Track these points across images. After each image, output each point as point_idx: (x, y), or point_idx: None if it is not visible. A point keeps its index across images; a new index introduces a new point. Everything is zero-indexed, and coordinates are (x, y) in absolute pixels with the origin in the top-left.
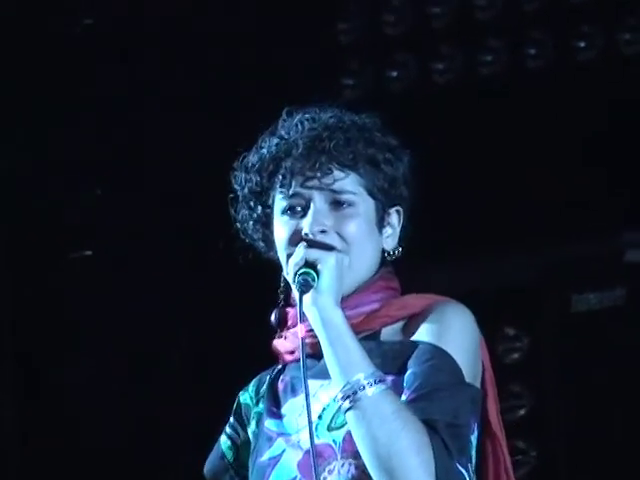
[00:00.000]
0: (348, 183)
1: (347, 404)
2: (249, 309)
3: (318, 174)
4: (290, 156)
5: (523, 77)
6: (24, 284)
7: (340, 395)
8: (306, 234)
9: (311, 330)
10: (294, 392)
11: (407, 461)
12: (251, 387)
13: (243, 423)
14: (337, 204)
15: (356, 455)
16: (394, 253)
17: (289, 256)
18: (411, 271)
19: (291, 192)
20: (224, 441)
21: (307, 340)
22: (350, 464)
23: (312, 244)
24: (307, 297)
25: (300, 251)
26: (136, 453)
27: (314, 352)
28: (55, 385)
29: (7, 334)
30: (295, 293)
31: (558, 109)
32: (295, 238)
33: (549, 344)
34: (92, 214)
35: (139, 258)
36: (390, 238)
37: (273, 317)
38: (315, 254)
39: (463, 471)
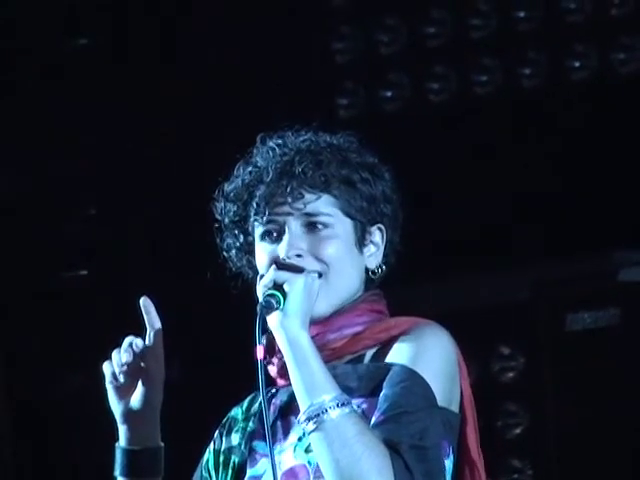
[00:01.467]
0: (321, 205)
1: (311, 426)
2: (247, 330)
3: (289, 199)
4: (262, 183)
5: (518, 96)
6: (18, 303)
7: (304, 417)
8: (283, 259)
9: None
10: (283, 415)
11: None
12: (245, 403)
13: (222, 433)
14: (312, 226)
15: None
16: (378, 271)
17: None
18: (407, 289)
19: (265, 219)
20: (208, 457)
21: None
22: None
23: (282, 267)
24: (274, 319)
25: (270, 273)
26: None
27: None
28: (49, 401)
29: (0, 354)
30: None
31: (552, 127)
32: (271, 263)
33: (544, 363)
34: (87, 233)
35: (134, 277)
36: (373, 257)
37: (260, 345)
38: (283, 276)
39: None
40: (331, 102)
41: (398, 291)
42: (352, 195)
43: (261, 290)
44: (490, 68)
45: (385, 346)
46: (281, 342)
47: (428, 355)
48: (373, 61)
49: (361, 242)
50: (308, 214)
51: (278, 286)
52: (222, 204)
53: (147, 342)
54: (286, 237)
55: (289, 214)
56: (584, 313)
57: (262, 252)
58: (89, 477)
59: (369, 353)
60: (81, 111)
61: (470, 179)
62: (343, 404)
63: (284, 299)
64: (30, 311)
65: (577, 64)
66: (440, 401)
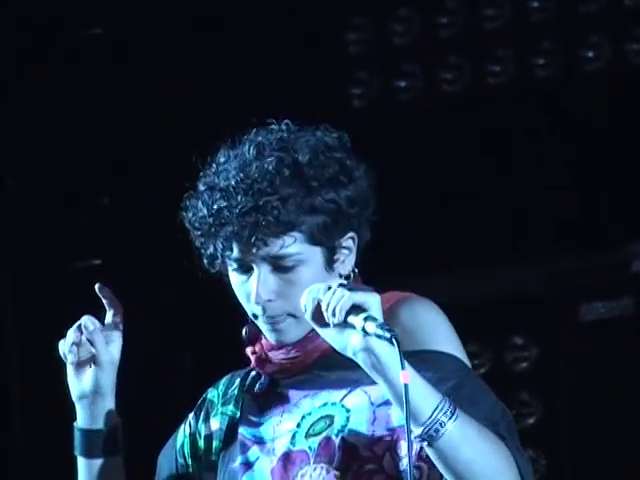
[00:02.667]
0: (289, 247)
1: (434, 441)
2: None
3: (253, 249)
4: (228, 224)
5: (531, 86)
6: (30, 293)
7: (424, 431)
8: (254, 304)
9: (288, 358)
10: (274, 401)
11: (505, 475)
12: (221, 385)
13: (199, 416)
14: (279, 268)
15: (330, 460)
16: (351, 275)
17: (254, 314)
18: (419, 281)
19: (233, 257)
20: (180, 436)
21: (280, 367)
22: (322, 468)
23: (344, 286)
24: (359, 341)
25: (345, 294)
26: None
27: (287, 376)
28: (59, 399)
29: (12, 344)
30: (336, 334)
31: (566, 118)
32: (248, 300)
33: (557, 353)
34: (100, 222)
35: (148, 267)
36: (346, 262)
37: (244, 333)
38: (361, 297)
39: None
40: (345, 92)
41: (413, 282)
42: (316, 222)
43: (337, 315)
44: (504, 58)
45: None
46: (372, 365)
47: (440, 331)
48: (386, 51)
49: (331, 261)
50: (275, 258)
51: (357, 307)
52: (189, 215)
53: (105, 324)
54: (254, 282)
55: (255, 258)
56: (598, 303)
57: (235, 281)
58: None
59: None
60: (96, 102)
61: (483, 170)
62: (454, 409)
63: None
64: (43, 301)
65: (591, 54)
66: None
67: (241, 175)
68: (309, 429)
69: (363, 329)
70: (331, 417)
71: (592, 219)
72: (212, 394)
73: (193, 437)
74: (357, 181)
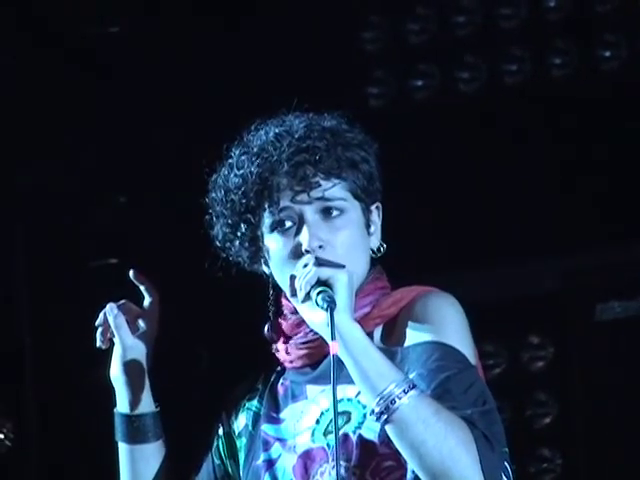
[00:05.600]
0: (337, 190)
1: (387, 415)
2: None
3: (307, 188)
4: (275, 174)
5: (548, 86)
6: (46, 292)
7: (377, 409)
8: (307, 251)
9: (306, 342)
10: (294, 398)
11: (460, 460)
12: (247, 382)
13: (230, 414)
14: (327, 213)
15: (348, 457)
16: (381, 250)
17: (291, 274)
18: (439, 278)
19: (280, 207)
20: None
21: (302, 352)
22: (341, 466)
23: (321, 262)
24: (322, 316)
25: (312, 269)
26: None
27: (311, 362)
28: (77, 397)
29: (27, 343)
30: (307, 311)
31: (582, 117)
32: (293, 254)
33: (574, 352)
34: (117, 221)
35: (164, 266)
36: (374, 236)
37: (266, 330)
38: (328, 272)
39: (505, 464)
40: (361, 91)
41: (429, 280)
42: (357, 176)
43: (303, 287)
44: (520, 57)
45: (394, 319)
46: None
47: (448, 323)
48: (403, 50)
49: (368, 224)
50: (324, 200)
51: (322, 282)
52: (221, 194)
53: (143, 308)
54: (305, 227)
55: (307, 203)
56: (614, 303)
57: (277, 243)
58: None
59: (377, 330)
60: (111, 98)
61: (498, 168)
62: (411, 387)
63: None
64: (59, 300)
65: (607, 54)
66: (471, 360)
67: (278, 130)
68: (327, 426)
69: (316, 302)
70: (348, 414)
71: (609, 218)
72: (240, 389)
73: (228, 436)
74: (376, 157)
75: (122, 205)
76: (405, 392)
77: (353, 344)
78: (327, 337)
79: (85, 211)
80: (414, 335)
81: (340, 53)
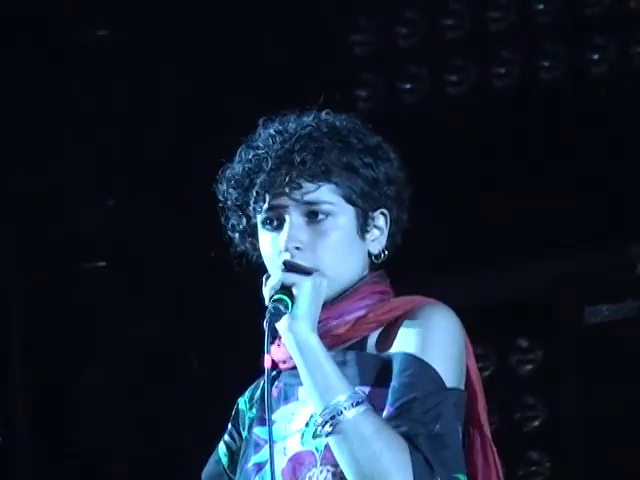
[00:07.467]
0: (323, 193)
1: (328, 428)
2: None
3: (287, 189)
4: (262, 171)
5: (536, 89)
6: (34, 295)
7: (320, 419)
8: (282, 251)
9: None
10: (286, 399)
11: None
12: (247, 392)
13: (239, 429)
14: (313, 216)
15: (335, 463)
16: (381, 256)
17: (265, 275)
18: (425, 283)
19: (265, 206)
20: (221, 447)
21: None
22: (328, 471)
23: (290, 268)
24: (283, 322)
25: (277, 275)
26: (151, 472)
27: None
28: (66, 398)
29: (16, 346)
30: (295, 325)
31: (572, 119)
32: (276, 253)
33: (562, 355)
34: (105, 224)
35: (152, 268)
36: (376, 241)
37: (265, 323)
38: (292, 278)
39: None
40: (350, 94)
41: (416, 283)
42: (354, 181)
43: (268, 292)
44: (509, 60)
45: (389, 327)
46: (290, 346)
47: (433, 338)
48: (392, 53)
49: (363, 229)
50: (308, 203)
51: (286, 288)
52: (224, 187)
53: None
54: (285, 228)
55: (293, 204)
56: (602, 306)
57: (265, 240)
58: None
59: (372, 335)
60: (99, 100)
61: (487, 172)
62: (358, 403)
63: (292, 302)
64: (48, 303)
65: (596, 57)
66: (448, 383)
67: (279, 128)
68: (316, 429)
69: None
70: None
71: (596, 221)
72: (241, 403)
73: (230, 446)
74: (393, 162)
75: (111, 207)
76: (351, 406)
77: (306, 353)
78: (286, 344)
79: (76, 213)
80: (398, 344)
81: (328, 56)
